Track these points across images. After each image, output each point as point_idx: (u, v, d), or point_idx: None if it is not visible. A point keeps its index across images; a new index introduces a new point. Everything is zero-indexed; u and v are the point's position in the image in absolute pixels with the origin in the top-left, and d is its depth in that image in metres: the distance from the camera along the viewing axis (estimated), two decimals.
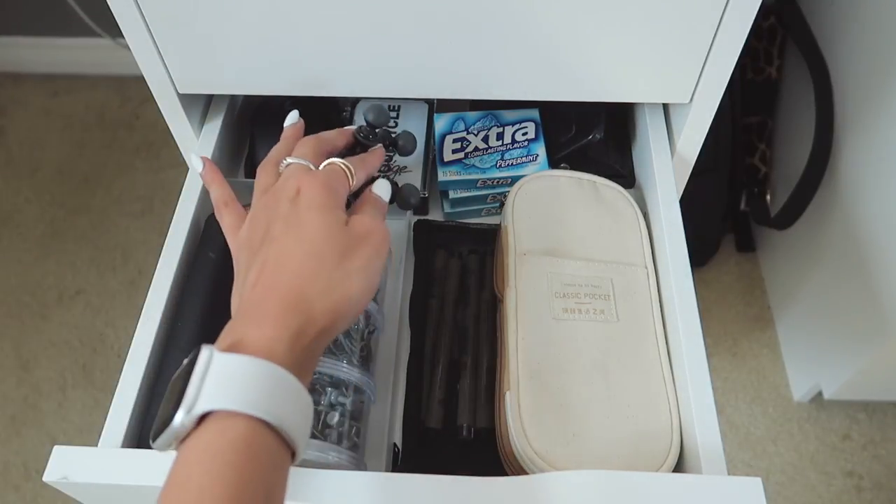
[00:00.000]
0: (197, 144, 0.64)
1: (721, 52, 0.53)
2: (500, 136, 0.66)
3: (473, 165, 0.64)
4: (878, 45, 0.94)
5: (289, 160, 0.47)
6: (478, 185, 0.65)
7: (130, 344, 0.52)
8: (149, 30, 0.55)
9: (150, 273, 0.54)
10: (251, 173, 0.68)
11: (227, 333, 0.38)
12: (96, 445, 0.47)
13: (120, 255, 1.48)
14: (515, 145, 0.65)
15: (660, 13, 0.51)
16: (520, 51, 0.54)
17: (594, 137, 0.65)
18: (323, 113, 0.68)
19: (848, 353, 1.07)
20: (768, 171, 1.25)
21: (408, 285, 0.62)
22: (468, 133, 0.66)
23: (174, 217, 0.59)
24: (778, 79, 1.21)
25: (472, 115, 0.68)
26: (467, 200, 0.66)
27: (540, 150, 0.65)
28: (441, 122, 0.68)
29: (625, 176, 0.66)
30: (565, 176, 0.61)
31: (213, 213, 0.59)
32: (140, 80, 0.59)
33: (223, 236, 0.49)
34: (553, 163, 0.66)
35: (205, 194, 0.62)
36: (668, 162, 0.61)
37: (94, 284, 1.45)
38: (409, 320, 0.60)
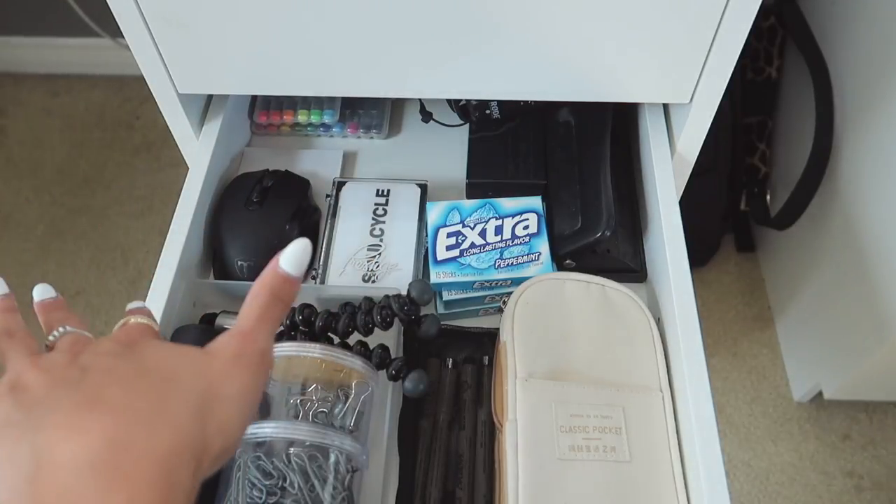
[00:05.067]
0: (197, 144, 0.64)
1: (721, 52, 0.53)
2: (498, 230, 0.60)
3: (469, 265, 0.59)
4: (878, 45, 0.94)
5: (68, 328, 0.36)
6: (474, 286, 0.59)
7: None
8: (149, 30, 0.54)
9: (150, 273, 0.54)
10: (221, 274, 0.63)
11: None
12: None
13: (120, 255, 1.48)
14: (516, 241, 0.59)
15: (660, 14, 0.51)
16: (520, 51, 0.54)
17: (603, 235, 0.59)
18: (296, 196, 0.65)
19: (848, 353, 1.07)
20: (768, 171, 1.25)
21: (397, 398, 0.56)
22: (463, 226, 0.60)
23: (174, 217, 0.59)
24: (778, 79, 1.21)
25: (467, 204, 0.62)
26: (463, 302, 0.60)
27: (543, 247, 0.59)
28: (434, 213, 0.61)
29: (637, 271, 0.62)
30: (571, 279, 0.56)
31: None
32: (140, 80, 0.59)
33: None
34: (557, 259, 0.61)
35: (204, 195, 0.62)
36: (668, 162, 0.61)
37: (94, 284, 1.45)
38: (398, 446, 0.55)
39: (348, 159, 0.73)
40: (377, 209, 0.65)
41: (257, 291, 0.35)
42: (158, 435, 0.28)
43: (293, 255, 0.35)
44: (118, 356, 0.31)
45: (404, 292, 0.55)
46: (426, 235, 0.62)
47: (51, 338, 0.36)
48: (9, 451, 0.27)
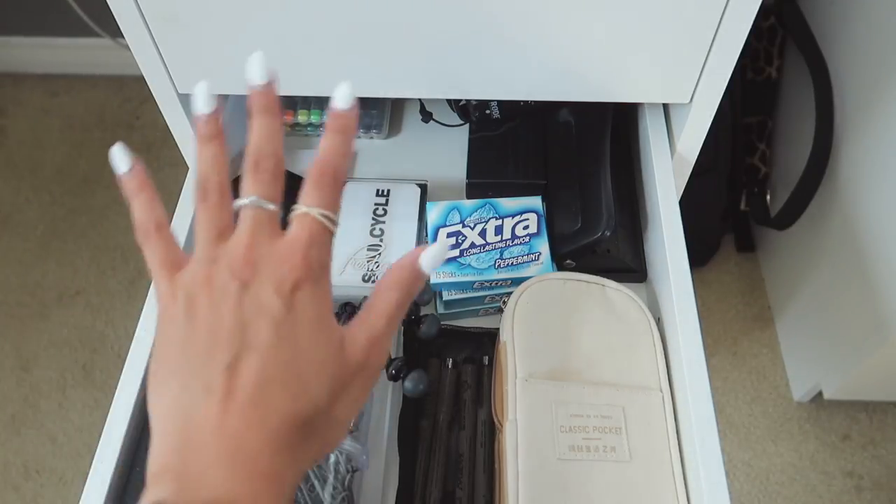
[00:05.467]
0: None
1: (721, 52, 0.53)
2: (498, 230, 0.60)
3: (469, 265, 0.59)
4: (878, 45, 0.94)
5: (252, 199, 0.34)
6: (474, 286, 0.59)
7: (130, 344, 0.52)
8: (149, 30, 0.54)
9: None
10: None
11: (193, 478, 0.29)
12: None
13: (120, 255, 1.48)
14: (516, 241, 0.60)
15: (660, 13, 0.51)
16: (520, 51, 0.54)
17: (603, 235, 0.59)
18: (296, 196, 0.64)
19: (848, 353, 1.07)
20: (768, 171, 1.25)
21: (397, 398, 0.56)
22: (464, 226, 0.61)
23: (174, 217, 0.59)
24: (778, 79, 1.21)
25: (467, 204, 0.62)
26: (463, 302, 0.60)
27: (542, 247, 0.59)
28: (434, 213, 0.62)
29: (636, 271, 0.62)
30: (571, 279, 0.56)
31: None
32: (140, 80, 0.59)
33: None
34: (557, 259, 0.61)
35: None
36: (668, 162, 0.60)
37: (94, 284, 1.45)
38: (399, 446, 0.55)
39: None
40: (377, 209, 0.65)
41: (391, 285, 0.35)
42: (276, 453, 0.30)
43: (435, 256, 0.35)
44: (274, 327, 0.32)
45: None
46: (426, 235, 0.62)
47: (238, 202, 0.35)
48: (168, 406, 0.31)
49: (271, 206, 0.35)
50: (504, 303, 0.59)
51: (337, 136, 0.35)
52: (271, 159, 0.36)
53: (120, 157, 0.36)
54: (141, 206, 0.36)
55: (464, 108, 0.68)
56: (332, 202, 0.35)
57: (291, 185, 0.65)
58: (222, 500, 0.28)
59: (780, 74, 1.21)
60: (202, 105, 0.36)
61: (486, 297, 0.60)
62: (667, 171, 0.60)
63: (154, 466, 0.30)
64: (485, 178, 0.67)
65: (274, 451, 0.30)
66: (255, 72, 0.37)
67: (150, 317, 0.53)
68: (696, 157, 0.62)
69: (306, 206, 0.35)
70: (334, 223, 0.35)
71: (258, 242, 0.34)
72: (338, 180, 0.36)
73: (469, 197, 0.67)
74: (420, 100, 0.73)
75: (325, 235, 0.35)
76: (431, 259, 0.35)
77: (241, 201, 0.35)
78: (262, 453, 0.30)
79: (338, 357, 0.33)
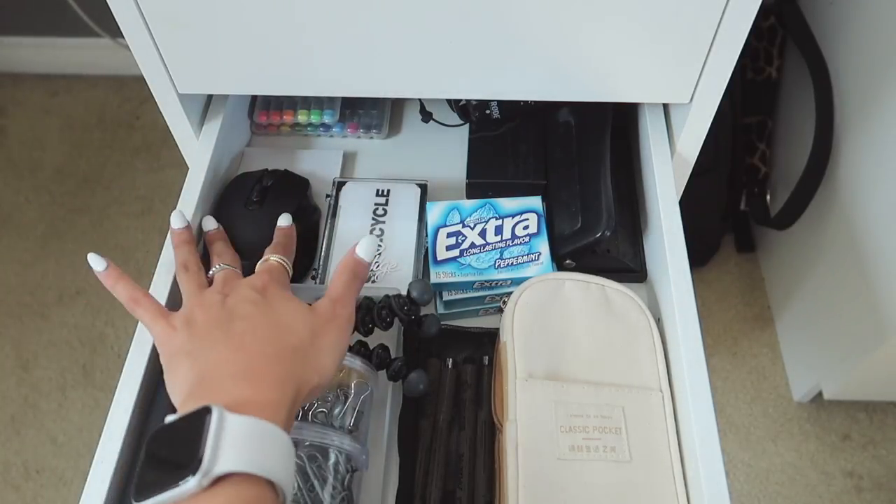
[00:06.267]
0: (197, 144, 0.64)
1: (721, 52, 0.53)
2: (498, 230, 0.60)
3: (469, 265, 0.59)
4: (878, 46, 0.94)
5: (222, 265, 0.52)
6: (474, 286, 0.59)
7: (130, 344, 0.52)
8: (149, 30, 0.55)
9: (151, 273, 0.54)
10: None
11: (215, 391, 0.40)
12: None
13: (120, 255, 1.48)
14: (516, 241, 0.60)
15: (660, 13, 0.51)
16: (520, 51, 0.54)
17: (603, 235, 0.59)
18: (296, 196, 0.64)
19: (848, 353, 1.07)
20: (768, 171, 1.25)
21: (397, 398, 0.56)
22: (463, 226, 0.61)
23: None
24: (778, 79, 1.21)
25: (467, 204, 0.62)
26: (463, 302, 0.60)
27: (542, 247, 0.59)
28: (434, 213, 0.62)
29: (637, 271, 0.62)
30: (571, 279, 0.56)
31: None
32: (140, 80, 0.59)
33: None
34: (557, 259, 0.61)
35: (204, 195, 0.62)
36: (668, 162, 0.60)
37: (93, 284, 1.45)
38: (399, 446, 0.55)
39: (348, 159, 0.73)
40: (377, 209, 0.65)
41: (341, 270, 0.49)
42: (276, 367, 0.42)
43: (367, 245, 0.49)
44: (255, 304, 0.45)
45: (404, 292, 0.55)
46: (426, 235, 0.62)
47: (212, 271, 0.52)
48: (185, 372, 0.42)
49: (232, 267, 0.52)
50: (504, 303, 0.59)
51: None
52: (222, 242, 0.56)
53: (96, 260, 0.50)
54: (124, 287, 0.50)
55: (464, 108, 0.68)
56: (288, 255, 0.54)
57: (292, 185, 0.66)
58: (241, 400, 0.38)
59: (780, 74, 1.21)
60: (178, 223, 0.55)
61: (486, 297, 0.60)
62: (667, 171, 0.60)
63: (179, 400, 0.41)
64: (485, 178, 0.67)
65: (274, 365, 0.41)
66: (208, 223, 0.59)
67: None
68: (696, 157, 0.62)
69: (267, 255, 0.53)
70: (289, 266, 0.53)
71: (231, 279, 0.49)
72: (290, 248, 0.55)
73: (469, 197, 0.67)
74: (420, 100, 0.73)
75: (282, 270, 0.52)
76: (364, 247, 0.49)
77: (212, 271, 0.52)
78: (264, 370, 0.41)
79: (309, 312, 0.46)
